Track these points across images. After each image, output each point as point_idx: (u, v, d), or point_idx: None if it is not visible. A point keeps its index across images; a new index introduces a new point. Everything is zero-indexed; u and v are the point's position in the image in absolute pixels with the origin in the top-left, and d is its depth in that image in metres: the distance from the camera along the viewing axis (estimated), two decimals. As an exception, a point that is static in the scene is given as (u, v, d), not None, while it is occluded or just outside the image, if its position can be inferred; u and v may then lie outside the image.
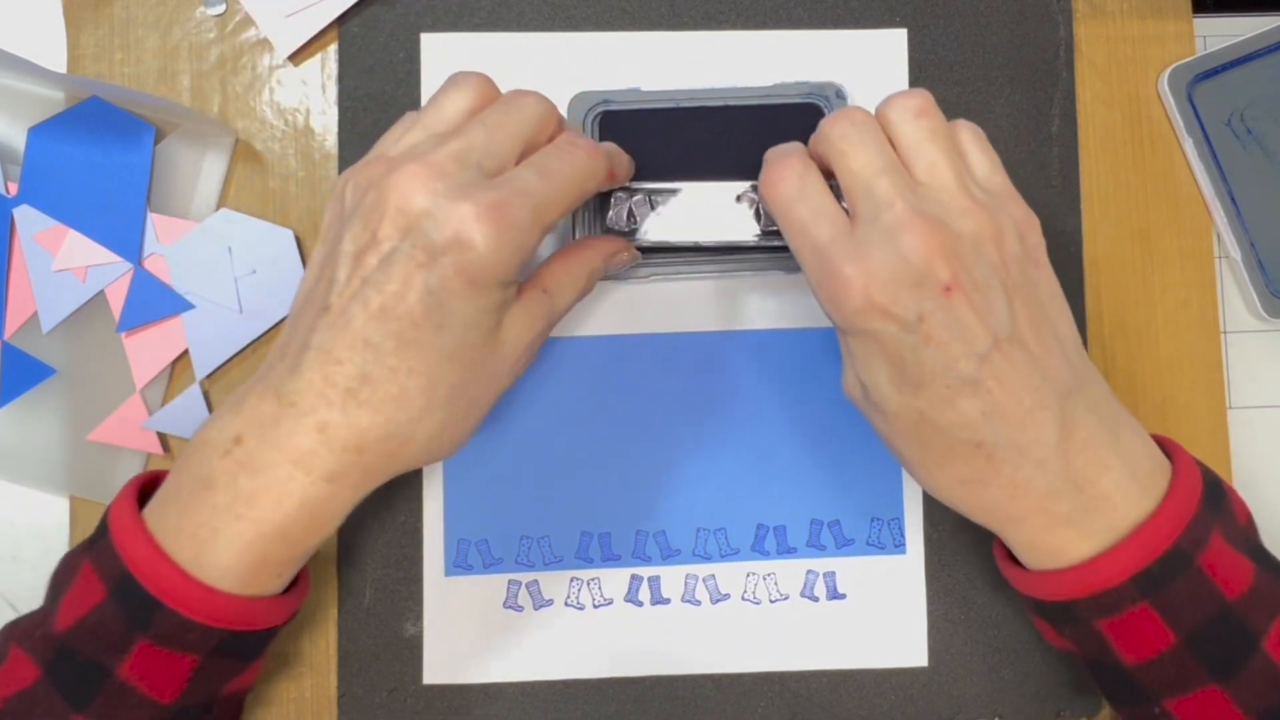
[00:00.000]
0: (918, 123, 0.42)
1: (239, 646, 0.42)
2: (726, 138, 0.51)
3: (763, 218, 0.48)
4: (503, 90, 0.44)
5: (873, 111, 0.43)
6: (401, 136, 0.43)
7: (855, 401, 0.44)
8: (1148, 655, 0.40)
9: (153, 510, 0.41)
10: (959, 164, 0.41)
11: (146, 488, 0.43)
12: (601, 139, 0.51)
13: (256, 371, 0.43)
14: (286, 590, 0.44)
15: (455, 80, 0.43)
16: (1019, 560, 0.44)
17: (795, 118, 0.48)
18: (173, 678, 0.41)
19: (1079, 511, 0.40)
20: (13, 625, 0.43)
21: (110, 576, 0.40)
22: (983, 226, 0.40)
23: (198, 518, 0.40)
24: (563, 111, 0.51)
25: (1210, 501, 0.41)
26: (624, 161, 0.48)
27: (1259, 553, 0.42)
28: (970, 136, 0.43)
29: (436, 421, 0.41)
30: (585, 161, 0.42)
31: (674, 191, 0.49)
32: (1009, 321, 0.39)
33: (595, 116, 0.52)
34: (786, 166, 0.42)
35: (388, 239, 0.39)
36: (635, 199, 0.49)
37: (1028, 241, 0.41)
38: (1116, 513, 0.40)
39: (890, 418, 0.41)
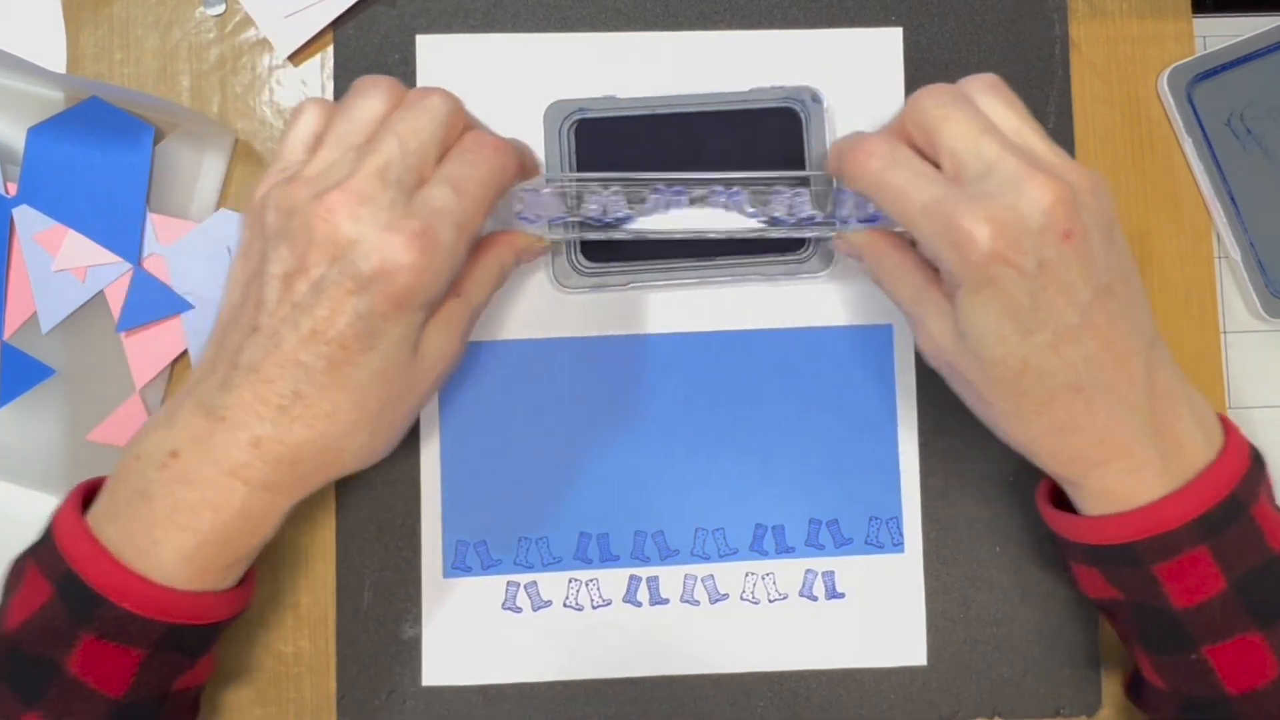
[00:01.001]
0: (996, 94, 0.44)
1: (184, 641, 0.43)
2: (703, 143, 0.51)
3: (758, 211, 0.49)
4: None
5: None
6: (316, 149, 0.43)
7: (937, 356, 0.44)
8: (1198, 599, 0.42)
9: (94, 519, 0.42)
10: (1040, 129, 0.43)
11: (90, 493, 0.44)
12: (577, 148, 0.52)
13: (184, 385, 0.43)
14: (237, 586, 0.45)
15: (363, 86, 0.44)
16: (1067, 509, 0.45)
17: (772, 122, 0.48)
18: (120, 671, 0.42)
19: (1158, 456, 0.42)
20: None
21: (55, 576, 0.41)
22: (1080, 180, 0.41)
23: (138, 528, 0.41)
24: (539, 121, 0.52)
25: (1257, 460, 0.44)
26: (530, 153, 0.49)
27: None
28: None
29: (366, 434, 0.43)
30: (496, 162, 0.43)
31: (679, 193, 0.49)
32: (1106, 271, 0.41)
33: (570, 125, 0.52)
34: (871, 142, 0.44)
35: (316, 266, 0.40)
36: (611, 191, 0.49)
37: (1108, 199, 0.43)
38: (1186, 459, 0.42)
39: (989, 365, 0.42)
